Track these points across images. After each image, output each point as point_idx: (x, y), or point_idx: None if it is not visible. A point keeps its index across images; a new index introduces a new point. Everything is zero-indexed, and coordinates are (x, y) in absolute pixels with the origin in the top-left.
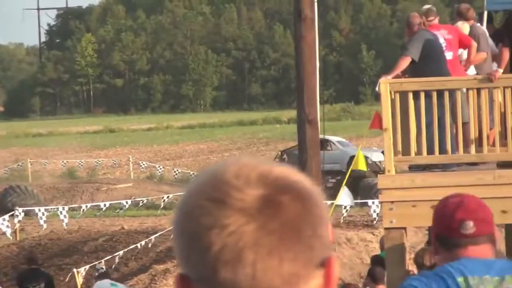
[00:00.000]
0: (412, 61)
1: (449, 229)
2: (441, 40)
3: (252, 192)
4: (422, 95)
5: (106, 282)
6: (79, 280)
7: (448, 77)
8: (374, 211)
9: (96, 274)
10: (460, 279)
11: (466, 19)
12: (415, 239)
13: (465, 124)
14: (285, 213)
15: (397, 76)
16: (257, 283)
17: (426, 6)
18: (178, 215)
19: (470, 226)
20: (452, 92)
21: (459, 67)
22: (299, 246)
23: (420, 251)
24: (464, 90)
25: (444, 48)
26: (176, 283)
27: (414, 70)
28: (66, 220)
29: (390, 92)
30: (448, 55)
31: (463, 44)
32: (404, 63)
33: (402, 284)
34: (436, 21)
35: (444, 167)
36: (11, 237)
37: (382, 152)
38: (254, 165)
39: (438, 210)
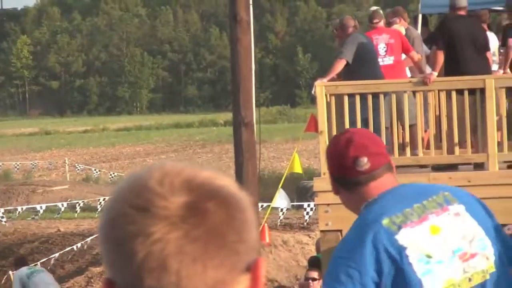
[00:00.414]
0: (347, 64)
1: (345, 168)
2: (382, 45)
3: (176, 199)
4: (357, 98)
5: (24, 269)
6: (14, 283)
7: (383, 80)
8: (307, 213)
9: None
10: (385, 221)
11: (403, 18)
12: None
13: (412, 126)
14: (209, 220)
15: (332, 79)
16: None
17: (373, 8)
18: (103, 221)
19: (364, 162)
20: (386, 94)
21: (401, 72)
22: (223, 252)
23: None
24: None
25: (384, 53)
26: (103, 287)
27: (348, 73)
28: (3, 222)
29: (326, 95)
30: (389, 60)
31: (405, 49)
32: (339, 65)
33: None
34: (381, 23)
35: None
36: None
37: None
38: (178, 170)
39: (329, 150)
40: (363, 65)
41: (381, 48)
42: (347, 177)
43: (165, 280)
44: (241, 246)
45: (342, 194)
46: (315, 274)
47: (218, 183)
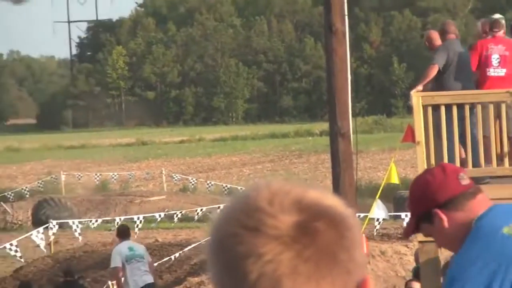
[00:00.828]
0: (438, 70)
1: (452, 189)
2: (495, 56)
3: (287, 219)
4: (455, 108)
5: (124, 246)
6: None
7: (481, 90)
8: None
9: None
10: (506, 230)
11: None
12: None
13: (485, 138)
14: (320, 240)
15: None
16: None
17: (496, 16)
18: (211, 243)
19: (465, 176)
20: (485, 106)
21: (510, 85)
22: (335, 271)
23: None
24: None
25: (497, 64)
26: None
27: (438, 80)
28: (99, 233)
29: (422, 105)
30: (501, 71)
31: None
32: (432, 72)
33: None
34: (500, 33)
35: (476, 181)
36: (45, 250)
37: None
38: (287, 190)
39: (426, 184)
40: (452, 73)
41: (495, 59)
42: (457, 194)
43: None
44: (351, 265)
45: (451, 221)
46: (417, 285)
47: (326, 203)
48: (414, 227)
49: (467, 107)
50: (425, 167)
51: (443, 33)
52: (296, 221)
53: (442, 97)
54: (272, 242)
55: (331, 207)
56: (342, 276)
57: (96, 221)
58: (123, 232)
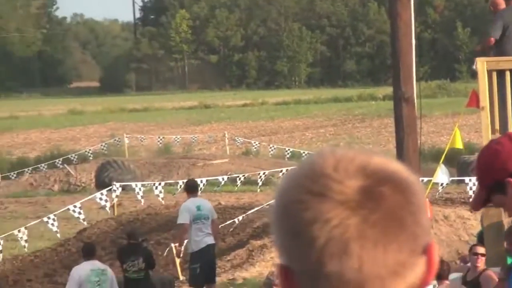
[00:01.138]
0: (495, 40)
1: None
2: None
3: (352, 184)
4: None
5: (193, 204)
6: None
7: None
8: (471, 189)
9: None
10: None
11: None
12: None
13: None
14: (386, 204)
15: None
16: (363, 274)
17: None
18: (276, 209)
19: None
20: None
21: None
22: (402, 236)
23: None
24: None
25: None
26: (279, 274)
27: (497, 46)
28: (161, 196)
29: (487, 71)
30: None
31: None
32: (489, 44)
33: None
34: None
35: None
36: (109, 211)
37: None
38: (352, 156)
39: (494, 155)
40: (510, 39)
41: None
42: None
43: (347, 265)
44: (418, 229)
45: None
46: (481, 250)
47: (391, 168)
48: (484, 199)
49: None
50: (489, 132)
51: (494, 5)
52: (361, 186)
53: (507, 62)
54: (338, 207)
55: (396, 172)
56: (409, 241)
57: (160, 184)
58: (192, 188)
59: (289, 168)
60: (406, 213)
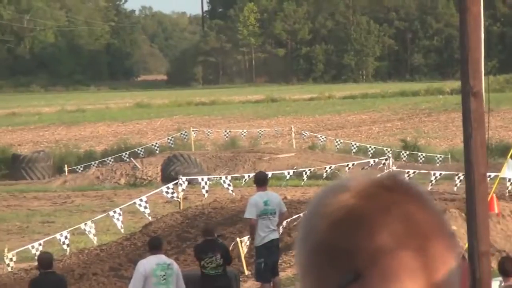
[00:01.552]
0: None
1: None
2: None
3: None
4: None
5: (261, 199)
6: (243, 249)
7: None
8: None
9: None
10: None
11: None
12: None
13: None
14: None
15: None
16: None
17: None
18: (301, 231)
19: None
20: None
21: None
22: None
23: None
24: None
25: None
26: None
27: None
28: (231, 188)
29: None
30: None
31: None
32: None
33: None
34: None
35: None
36: (178, 201)
37: None
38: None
39: None
40: None
41: None
42: None
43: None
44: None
45: None
46: None
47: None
48: None
49: None
50: None
51: None
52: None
53: None
54: None
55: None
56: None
57: (226, 178)
58: (261, 180)
59: (357, 163)
60: (432, 226)
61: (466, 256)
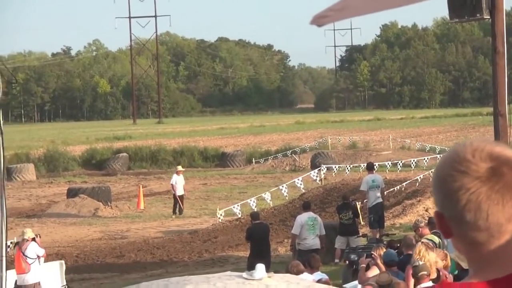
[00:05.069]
0: None
1: None
2: None
3: (483, 165)
4: None
5: (370, 178)
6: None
7: None
8: None
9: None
10: None
11: None
12: None
13: None
14: (505, 179)
15: None
16: (489, 222)
17: None
18: (436, 178)
19: None
20: None
21: None
22: None
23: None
24: None
25: None
26: (435, 216)
27: None
28: (347, 172)
29: None
30: None
31: None
32: None
33: None
34: None
35: None
36: (319, 183)
37: None
38: (482, 146)
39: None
40: None
41: None
42: None
43: (479, 216)
44: None
45: None
46: None
47: (508, 154)
48: None
49: None
50: None
51: None
52: (489, 167)
53: None
54: (475, 180)
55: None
56: None
57: (349, 166)
58: (370, 167)
59: (430, 157)
60: None
61: None
